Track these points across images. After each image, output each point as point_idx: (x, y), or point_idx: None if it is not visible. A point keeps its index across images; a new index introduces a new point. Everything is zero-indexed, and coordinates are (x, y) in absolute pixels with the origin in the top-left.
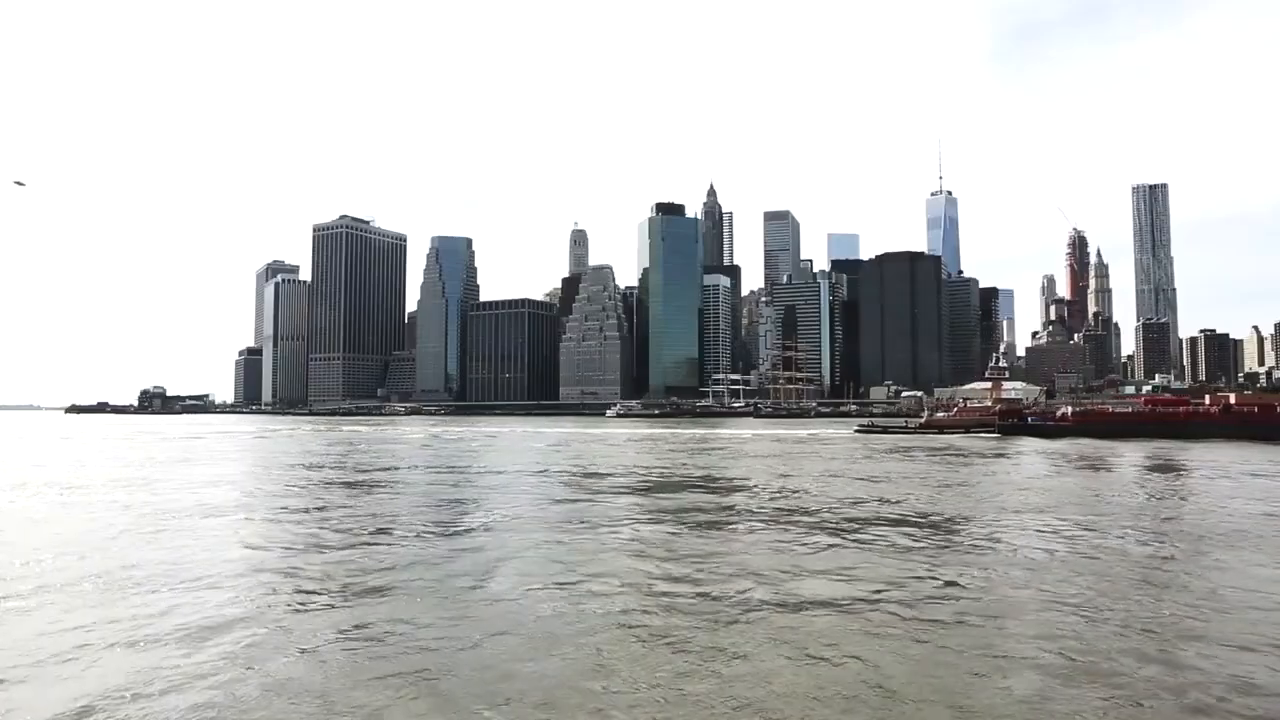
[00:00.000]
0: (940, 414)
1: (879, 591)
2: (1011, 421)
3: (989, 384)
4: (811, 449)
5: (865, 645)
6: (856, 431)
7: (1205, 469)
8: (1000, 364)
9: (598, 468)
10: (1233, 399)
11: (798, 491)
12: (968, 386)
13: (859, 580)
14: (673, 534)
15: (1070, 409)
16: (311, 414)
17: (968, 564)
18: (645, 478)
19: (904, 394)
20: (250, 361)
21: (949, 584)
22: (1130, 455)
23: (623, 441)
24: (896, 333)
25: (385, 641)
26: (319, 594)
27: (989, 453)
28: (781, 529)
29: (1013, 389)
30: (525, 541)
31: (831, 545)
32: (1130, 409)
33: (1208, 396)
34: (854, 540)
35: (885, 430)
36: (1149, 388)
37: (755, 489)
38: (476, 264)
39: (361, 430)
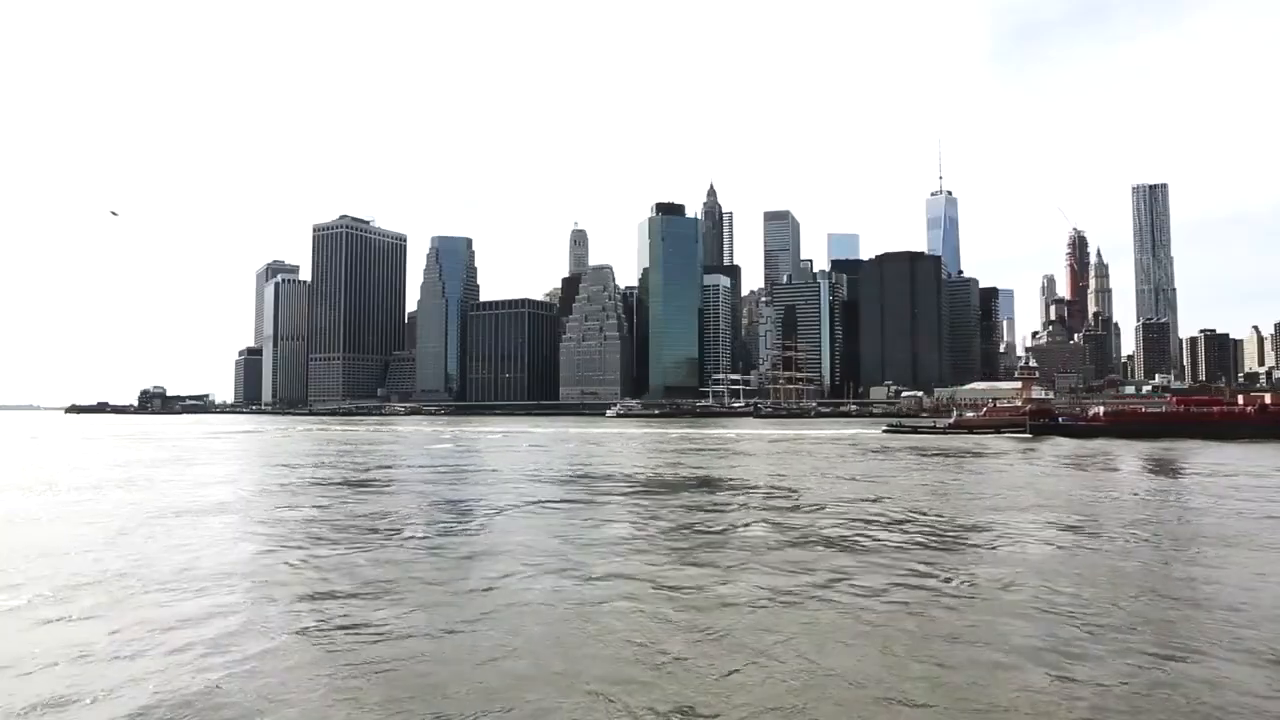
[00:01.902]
0: (970, 414)
1: (909, 606)
2: (1043, 421)
3: (988, 384)
4: (861, 451)
5: (871, 649)
6: (885, 431)
7: (1249, 470)
8: (1030, 364)
9: (600, 468)
10: (1268, 399)
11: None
12: (968, 386)
13: (886, 589)
14: (676, 536)
15: (1103, 409)
16: (311, 414)
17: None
18: (649, 479)
19: (904, 394)
20: (250, 361)
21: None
22: (1169, 455)
23: (626, 442)
24: (896, 333)
25: (383, 641)
26: (318, 593)
27: (1027, 454)
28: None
29: (1013, 389)
30: (523, 542)
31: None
32: (1163, 409)
33: (1241, 397)
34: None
35: (914, 430)
36: (1149, 388)
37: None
38: (476, 264)
39: (361, 430)
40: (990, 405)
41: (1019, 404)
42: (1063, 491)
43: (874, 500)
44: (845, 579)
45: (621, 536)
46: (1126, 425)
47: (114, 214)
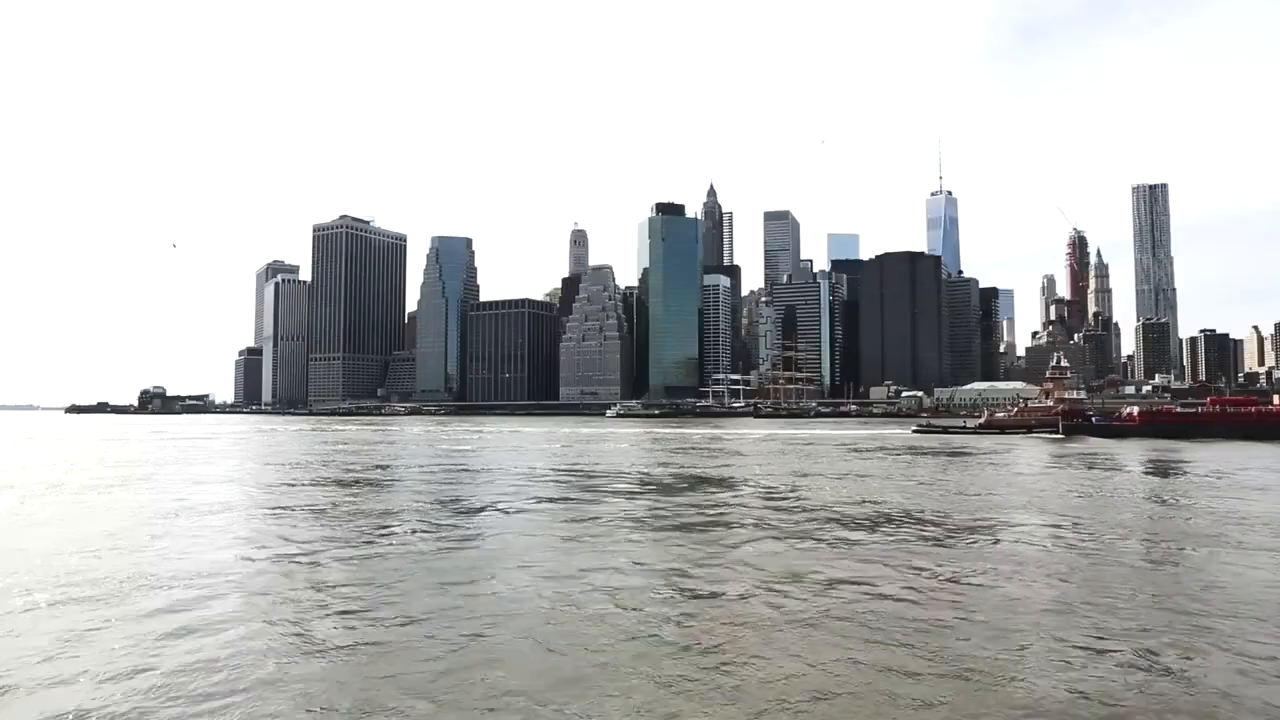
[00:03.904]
0: (1000, 414)
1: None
2: (1075, 421)
3: (988, 384)
4: (910, 455)
5: (877, 650)
6: (914, 432)
7: None
8: (1062, 364)
9: (600, 468)
10: None
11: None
12: (968, 386)
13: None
14: (682, 538)
15: (1136, 409)
16: (311, 414)
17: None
18: (651, 480)
19: (904, 394)
20: (250, 361)
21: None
22: (1206, 457)
23: (626, 442)
24: (896, 333)
25: (383, 641)
26: (318, 592)
27: (1062, 455)
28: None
29: (1012, 389)
30: (521, 541)
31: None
32: (1197, 409)
33: (1276, 397)
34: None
35: (945, 430)
36: (1149, 388)
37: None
38: (476, 264)
39: (361, 430)
40: (1021, 405)
41: (1050, 404)
42: (1102, 494)
43: (931, 503)
44: (879, 580)
45: (625, 536)
46: (1160, 426)
47: (174, 246)
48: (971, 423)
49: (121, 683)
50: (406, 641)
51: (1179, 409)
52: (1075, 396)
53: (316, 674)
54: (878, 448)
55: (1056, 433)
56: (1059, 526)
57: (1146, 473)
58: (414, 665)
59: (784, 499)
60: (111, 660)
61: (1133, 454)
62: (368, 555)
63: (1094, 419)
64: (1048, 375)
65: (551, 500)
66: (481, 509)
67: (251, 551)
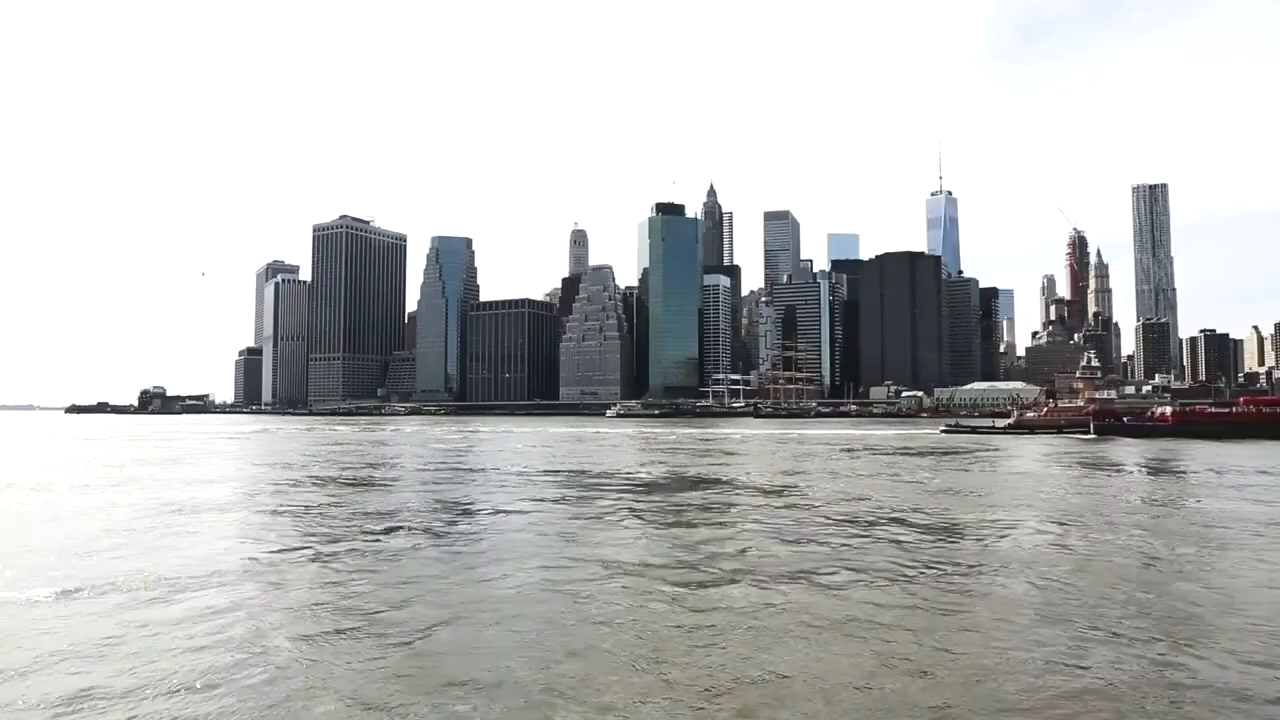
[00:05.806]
0: (1030, 414)
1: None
2: (1107, 421)
3: (988, 384)
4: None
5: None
6: (943, 432)
7: None
8: (1093, 363)
9: (597, 468)
10: None
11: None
12: (968, 386)
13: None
14: (680, 538)
15: (1169, 409)
16: (311, 414)
17: None
18: (652, 479)
19: (904, 394)
20: (250, 361)
21: None
22: (1243, 459)
23: (626, 441)
24: (896, 333)
25: (384, 638)
26: (318, 591)
27: (1098, 457)
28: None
29: (1013, 389)
30: (518, 541)
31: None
32: (1232, 409)
33: None
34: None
35: (973, 430)
36: (1149, 388)
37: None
38: (476, 264)
39: (360, 431)
40: (1052, 405)
41: (1081, 403)
42: (1149, 496)
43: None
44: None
45: (623, 536)
46: (1194, 426)
47: (203, 274)
48: (1001, 422)
49: (120, 678)
50: (403, 640)
51: (1212, 409)
52: (1106, 396)
53: (312, 671)
54: (905, 448)
55: (1088, 433)
56: (1112, 530)
57: (1187, 473)
58: (412, 664)
59: (794, 499)
60: (110, 655)
61: (1170, 454)
62: (366, 555)
63: (1126, 419)
64: (1078, 374)
65: (549, 500)
66: (479, 509)
67: (251, 549)
